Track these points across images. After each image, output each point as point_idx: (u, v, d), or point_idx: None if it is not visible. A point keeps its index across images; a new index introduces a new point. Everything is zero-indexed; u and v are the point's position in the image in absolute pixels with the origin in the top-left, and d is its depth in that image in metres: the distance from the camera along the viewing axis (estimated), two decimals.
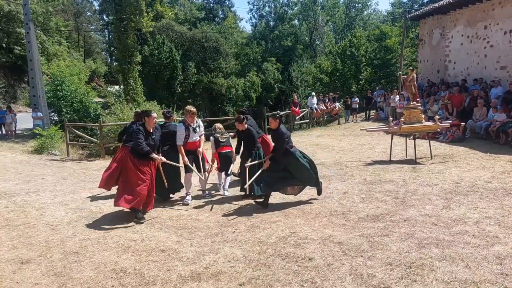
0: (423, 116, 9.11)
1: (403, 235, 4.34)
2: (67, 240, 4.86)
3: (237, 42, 35.19)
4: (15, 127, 15.94)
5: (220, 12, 41.13)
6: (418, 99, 9.41)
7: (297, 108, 18.50)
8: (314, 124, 19.34)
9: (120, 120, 13.91)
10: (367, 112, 19.38)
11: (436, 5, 16.24)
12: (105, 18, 44.75)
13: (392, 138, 9.25)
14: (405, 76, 9.71)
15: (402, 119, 8.92)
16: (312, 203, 5.90)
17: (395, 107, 15.53)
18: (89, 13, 51.06)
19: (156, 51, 25.60)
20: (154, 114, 5.69)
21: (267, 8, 39.40)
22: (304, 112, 19.01)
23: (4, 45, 25.63)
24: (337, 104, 19.46)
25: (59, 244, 4.71)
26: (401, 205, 5.51)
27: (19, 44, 25.44)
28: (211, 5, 41.34)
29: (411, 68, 10.27)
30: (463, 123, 11.03)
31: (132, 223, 5.41)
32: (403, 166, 8.18)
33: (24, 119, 17.79)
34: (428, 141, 9.25)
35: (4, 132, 15.97)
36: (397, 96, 15.93)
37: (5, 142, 14.23)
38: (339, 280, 3.43)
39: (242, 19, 74.02)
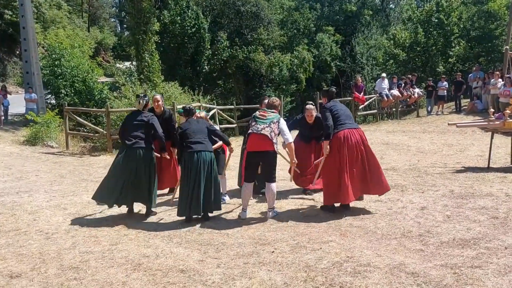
0: None
1: (502, 268, 4.23)
2: (65, 252, 5.15)
3: (283, 5, 35.16)
4: (6, 111, 16.76)
5: None
6: None
7: (361, 94, 18.28)
8: (383, 116, 19.06)
9: (131, 106, 14.38)
10: (457, 101, 18.86)
11: None
12: None
13: (492, 137, 8.95)
14: None
15: (508, 111, 8.63)
16: (378, 218, 5.86)
17: (497, 95, 15.09)
18: None
19: (179, 18, 26.11)
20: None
21: None
22: (371, 100, 18.74)
23: None
24: (416, 89, 19.04)
25: (55, 257, 5.01)
26: (501, 227, 5.36)
27: (10, 7, 26.79)
28: None
29: None
30: None
31: (145, 236, 5.63)
32: (506, 175, 7.92)
33: (15, 102, 18.74)
34: None
35: None
36: (500, 80, 15.37)
37: None
38: None
39: None
